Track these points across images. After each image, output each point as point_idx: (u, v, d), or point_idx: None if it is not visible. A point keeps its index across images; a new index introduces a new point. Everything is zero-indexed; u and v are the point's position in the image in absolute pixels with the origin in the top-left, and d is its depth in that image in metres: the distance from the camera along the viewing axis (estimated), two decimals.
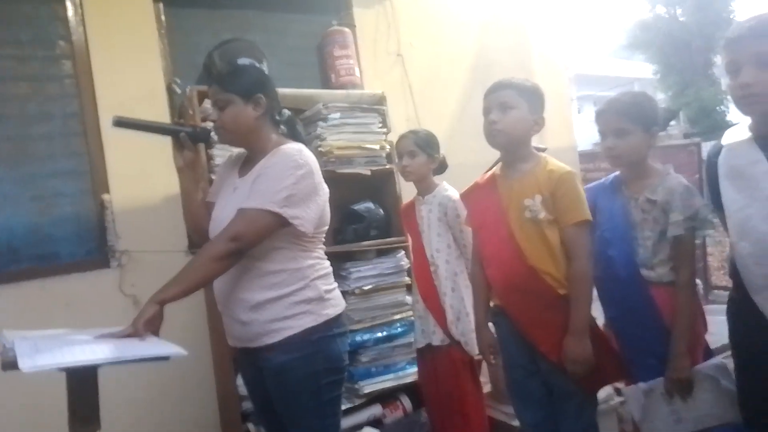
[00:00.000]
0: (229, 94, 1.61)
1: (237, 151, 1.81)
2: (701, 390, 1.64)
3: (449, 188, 2.30)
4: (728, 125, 1.59)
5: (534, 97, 1.76)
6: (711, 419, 1.64)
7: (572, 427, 1.75)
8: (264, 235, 1.52)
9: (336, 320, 1.62)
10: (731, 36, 1.39)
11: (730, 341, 1.57)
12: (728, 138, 1.50)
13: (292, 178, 1.53)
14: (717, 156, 1.51)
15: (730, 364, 1.63)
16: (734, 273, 1.47)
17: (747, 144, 1.43)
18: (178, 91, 2.51)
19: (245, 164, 1.71)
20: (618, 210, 1.77)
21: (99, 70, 2.42)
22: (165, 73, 2.54)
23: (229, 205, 1.61)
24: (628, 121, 1.71)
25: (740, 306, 1.48)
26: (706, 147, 1.61)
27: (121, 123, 1.63)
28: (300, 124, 1.99)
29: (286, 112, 1.78)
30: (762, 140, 1.41)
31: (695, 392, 1.65)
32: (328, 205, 1.68)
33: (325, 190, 1.66)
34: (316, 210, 1.59)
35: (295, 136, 1.75)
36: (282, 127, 1.75)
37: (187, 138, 1.69)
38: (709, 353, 1.77)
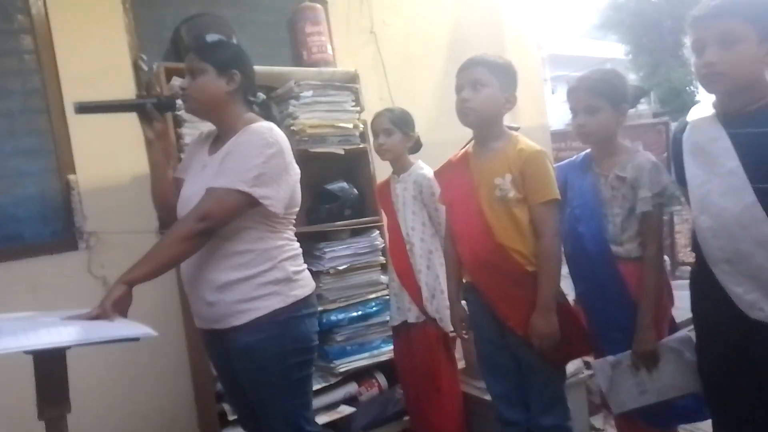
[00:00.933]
0: (204, 63, 1.60)
1: (207, 128, 1.77)
2: (666, 362, 1.69)
3: (424, 167, 2.30)
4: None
5: (506, 74, 1.76)
6: (673, 390, 1.69)
7: (539, 399, 1.80)
8: (233, 215, 1.50)
9: (304, 301, 1.62)
10: (696, 15, 1.41)
11: (692, 312, 1.62)
12: (693, 115, 1.53)
13: (262, 156, 1.51)
14: (682, 133, 1.54)
15: (693, 336, 1.68)
16: (695, 246, 1.52)
17: (710, 121, 1.46)
18: (145, 67, 2.44)
19: (215, 142, 1.68)
20: (588, 187, 1.80)
21: (61, 46, 2.33)
22: (130, 48, 2.46)
23: (197, 183, 1.58)
24: (597, 98, 1.73)
25: (700, 278, 1.53)
26: (674, 126, 1.66)
27: (83, 108, 1.58)
28: (275, 108, 1.96)
29: (261, 96, 1.75)
30: (724, 117, 1.44)
31: (660, 364, 1.70)
32: (299, 185, 1.66)
33: (296, 170, 1.64)
34: (286, 190, 1.57)
35: (269, 119, 1.72)
36: (256, 109, 1.72)
37: (154, 109, 1.65)
38: (674, 327, 1.82)
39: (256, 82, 1.72)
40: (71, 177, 2.32)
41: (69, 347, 1.17)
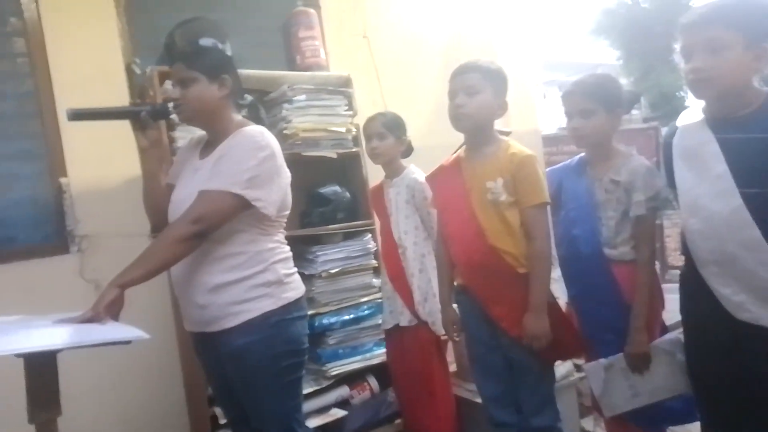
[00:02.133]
0: (194, 72, 1.59)
1: (199, 133, 1.78)
2: (657, 364, 1.71)
3: (416, 171, 2.31)
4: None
5: (498, 80, 1.79)
6: (665, 392, 1.71)
7: (531, 399, 1.82)
8: (227, 217, 1.51)
9: (295, 304, 1.62)
10: (684, 21, 1.43)
11: (681, 314, 1.64)
12: (683, 120, 1.55)
13: (255, 159, 1.52)
14: (672, 137, 1.57)
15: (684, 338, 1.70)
16: (685, 249, 1.54)
17: (699, 125, 1.49)
18: (138, 71, 2.44)
19: (206, 146, 1.68)
20: (582, 190, 1.83)
21: (54, 49, 2.32)
22: (124, 52, 2.45)
23: (189, 186, 1.58)
24: (592, 101, 1.76)
25: (689, 280, 1.55)
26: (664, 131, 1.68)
27: (76, 116, 1.58)
28: (263, 109, 1.96)
29: (249, 97, 1.76)
30: (713, 122, 1.46)
31: (652, 366, 1.72)
32: (290, 188, 1.67)
33: (287, 173, 1.65)
34: (278, 192, 1.58)
35: (257, 121, 1.73)
36: (244, 113, 1.73)
37: (148, 116, 1.65)
38: (664, 330, 1.84)
39: (241, 84, 1.72)
40: (63, 180, 2.31)
41: (60, 350, 1.17)
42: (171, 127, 2.19)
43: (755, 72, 1.41)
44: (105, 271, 2.12)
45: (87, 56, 2.37)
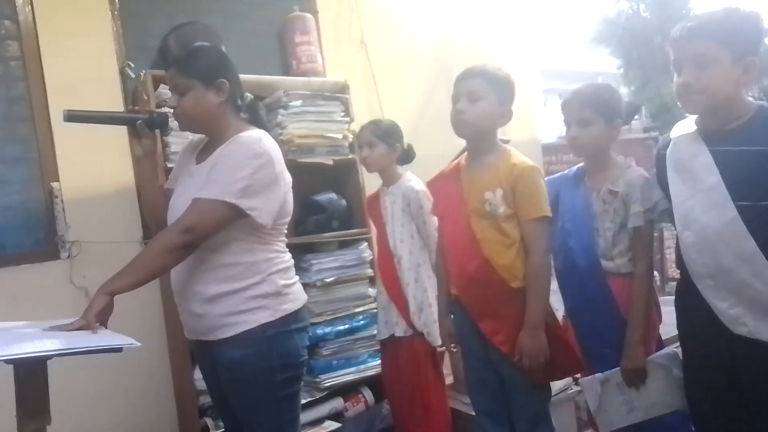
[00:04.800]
0: (189, 79, 1.54)
1: (197, 136, 1.74)
2: (654, 379, 1.68)
3: (413, 178, 2.28)
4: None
5: (504, 88, 1.75)
6: (661, 407, 1.68)
7: (522, 417, 1.77)
8: (219, 227, 1.47)
9: (294, 315, 1.58)
10: (674, 36, 1.44)
11: (677, 328, 1.63)
12: (676, 132, 1.55)
13: (250, 168, 1.48)
14: (666, 149, 1.57)
15: (680, 353, 1.68)
16: (680, 262, 1.53)
17: (691, 138, 1.49)
18: (132, 75, 2.42)
19: (203, 150, 1.64)
20: (579, 201, 1.81)
21: (48, 53, 2.31)
22: (118, 56, 2.43)
23: (185, 193, 1.55)
24: (590, 111, 1.74)
25: (685, 294, 1.54)
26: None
27: (72, 117, 1.56)
28: (263, 108, 1.92)
29: (248, 96, 1.72)
30: (705, 134, 1.46)
31: (648, 381, 1.69)
32: (290, 195, 1.63)
33: (287, 179, 1.60)
34: (275, 201, 1.54)
35: (257, 122, 1.69)
36: (243, 113, 1.69)
37: (144, 125, 1.62)
38: (660, 344, 1.81)
39: (241, 84, 1.67)
40: (54, 185, 2.29)
41: (51, 357, 1.16)
42: (164, 132, 2.15)
43: (744, 85, 1.42)
44: (95, 278, 2.10)
45: (81, 60, 2.35)
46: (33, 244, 2.31)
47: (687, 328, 1.58)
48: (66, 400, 1.69)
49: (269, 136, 1.59)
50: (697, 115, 1.50)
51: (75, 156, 2.31)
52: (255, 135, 1.55)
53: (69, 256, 2.29)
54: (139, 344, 1.21)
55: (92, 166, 2.33)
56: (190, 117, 1.57)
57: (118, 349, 1.21)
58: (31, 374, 1.19)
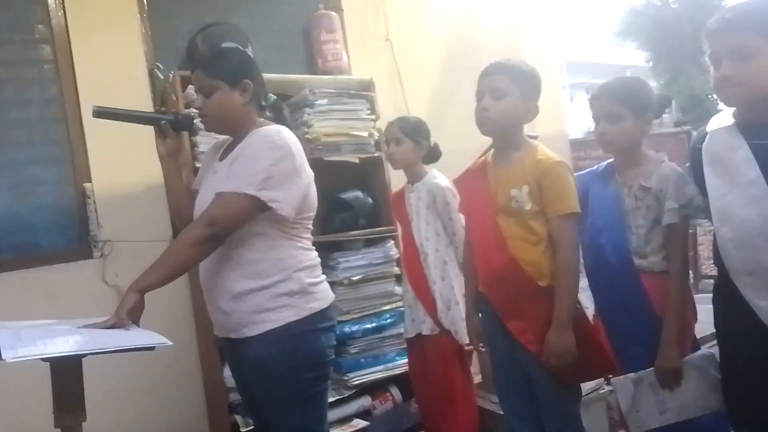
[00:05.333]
0: (214, 80, 1.55)
1: (222, 137, 1.76)
2: (688, 380, 1.64)
3: (438, 176, 2.27)
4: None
5: (529, 83, 1.71)
6: (695, 409, 1.64)
7: (552, 418, 1.74)
8: (242, 219, 1.48)
9: (321, 314, 1.58)
10: (711, 28, 1.39)
11: (715, 327, 1.57)
12: (713, 125, 1.50)
13: (270, 159, 1.48)
14: (701, 143, 1.51)
15: (716, 353, 1.63)
16: (718, 259, 1.48)
17: (729, 131, 1.44)
18: (161, 76, 2.45)
19: (227, 149, 1.66)
20: (610, 197, 1.76)
21: (79, 55, 2.36)
22: (147, 57, 2.47)
23: (209, 189, 1.57)
24: (620, 105, 1.69)
25: (723, 291, 1.48)
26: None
27: (101, 113, 1.59)
28: (286, 108, 1.93)
29: (272, 97, 1.73)
30: (744, 127, 1.41)
31: (683, 382, 1.64)
32: (313, 189, 1.63)
33: (308, 172, 1.60)
34: (297, 193, 1.53)
35: (281, 122, 1.70)
36: (268, 113, 1.70)
37: (168, 126, 1.64)
38: (696, 343, 1.76)
39: (265, 84, 1.68)
40: (87, 185, 2.34)
41: (86, 355, 1.18)
42: (193, 132, 2.18)
43: None
44: (127, 276, 2.13)
45: (111, 62, 2.39)
46: (66, 244, 2.36)
47: (725, 327, 1.53)
48: (98, 397, 1.72)
49: (288, 130, 1.59)
50: (734, 108, 1.45)
51: (106, 157, 2.36)
52: (274, 128, 1.57)
53: (101, 255, 2.34)
54: (170, 342, 1.22)
55: (123, 166, 2.37)
56: (216, 118, 1.59)
57: (151, 348, 1.22)
58: (67, 372, 1.21)
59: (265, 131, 1.54)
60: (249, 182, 1.46)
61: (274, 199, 1.48)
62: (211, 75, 1.56)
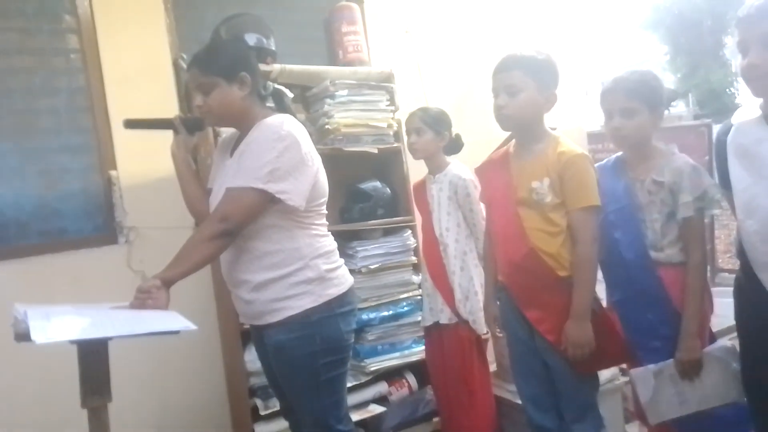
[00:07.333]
0: (211, 77, 1.57)
1: (228, 132, 1.78)
2: (708, 372, 1.65)
3: (460, 166, 2.29)
4: (737, 108, 1.57)
5: (544, 73, 1.70)
6: (714, 399, 1.65)
7: (571, 406, 1.77)
8: (253, 213, 1.51)
9: (339, 300, 1.62)
10: (741, 15, 1.38)
11: (735, 321, 1.58)
12: (738, 117, 1.49)
13: (275, 151, 1.50)
14: (726, 135, 1.50)
15: (736, 345, 1.63)
16: (741, 253, 1.48)
17: (756, 122, 1.43)
18: (185, 66, 2.48)
19: (237, 143, 1.68)
20: (622, 192, 1.75)
21: (105, 45, 2.39)
22: (171, 48, 2.50)
23: (222, 186, 1.61)
24: (635, 100, 1.67)
25: (746, 285, 1.49)
26: (717, 129, 1.60)
27: (131, 125, 1.74)
28: (287, 96, 1.94)
29: (271, 85, 1.76)
30: None
31: (702, 374, 1.65)
32: (323, 174, 1.64)
33: (315, 160, 1.61)
34: (305, 182, 1.56)
35: (282, 110, 1.73)
36: (269, 102, 1.73)
37: (182, 127, 1.70)
38: (712, 336, 1.77)
39: (261, 74, 1.70)
40: (113, 173, 2.38)
41: (112, 338, 1.21)
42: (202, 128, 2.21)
43: None
44: (151, 262, 2.19)
45: (136, 52, 2.42)
46: (92, 229, 2.40)
47: (746, 319, 1.53)
48: (121, 379, 1.78)
49: (293, 119, 1.61)
50: (761, 100, 1.43)
51: (131, 145, 2.38)
52: (278, 118, 1.58)
53: (126, 241, 2.38)
54: (195, 327, 1.25)
55: (148, 154, 2.39)
56: (218, 114, 1.62)
57: (176, 332, 1.25)
58: (93, 354, 1.24)
59: (269, 122, 1.56)
60: (256, 176, 1.49)
61: (282, 191, 1.50)
62: (207, 72, 1.57)
